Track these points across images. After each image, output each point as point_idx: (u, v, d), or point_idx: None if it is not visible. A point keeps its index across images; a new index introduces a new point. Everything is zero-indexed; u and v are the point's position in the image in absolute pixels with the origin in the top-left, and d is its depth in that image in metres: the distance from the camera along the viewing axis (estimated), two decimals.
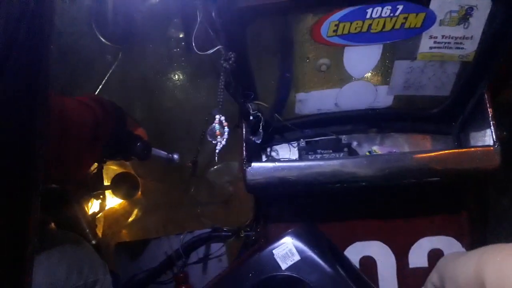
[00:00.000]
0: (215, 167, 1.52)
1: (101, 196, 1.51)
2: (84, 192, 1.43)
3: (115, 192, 1.53)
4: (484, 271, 0.54)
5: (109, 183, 1.52)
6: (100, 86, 1.20)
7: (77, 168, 0.97)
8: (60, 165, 0.88)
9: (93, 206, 1.49)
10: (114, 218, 1.56)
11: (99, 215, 1.51)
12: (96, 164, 1.33)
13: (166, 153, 1.27)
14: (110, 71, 1.19)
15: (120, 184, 1.52)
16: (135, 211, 1.58)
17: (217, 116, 0.92)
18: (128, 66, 1.45)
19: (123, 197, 1.55)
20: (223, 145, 0.94)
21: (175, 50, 1.45)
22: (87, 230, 1.42)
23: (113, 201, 1.55)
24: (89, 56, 1.47)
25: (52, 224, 1.26)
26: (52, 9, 0.46)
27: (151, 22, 1.38)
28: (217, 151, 0.95)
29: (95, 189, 1.48)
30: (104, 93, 1.26)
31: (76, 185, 1.33)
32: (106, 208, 1.53)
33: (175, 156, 1.28)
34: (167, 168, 1.47)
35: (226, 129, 0.93)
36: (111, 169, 1.53)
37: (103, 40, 1.16)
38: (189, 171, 1.46)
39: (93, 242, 1.42)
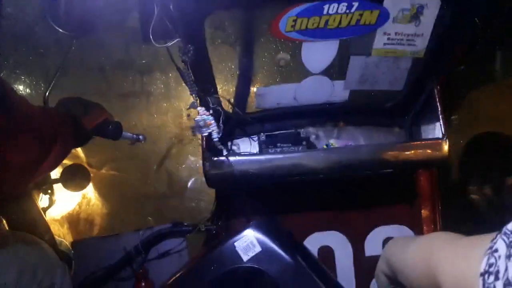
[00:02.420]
0: (173, 158, 1.51)
1: (49, 191, 1.45)
2: (33, 187, 1.38)
3: (65, 185, 1.47)
4: (436, 267, 0.54)
5: (58, 176, 1.47)
6: (57, 74, 1.15)
7: (34, 172, 0.92)
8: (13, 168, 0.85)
9: (42, 201, 1.44)
10: (67, 213, 1.52)
11: (49, 210, 1.46)
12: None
13: (132, 134, 1.29)
14: (64, 59, 1.15)
15: (70, 177, 1.47)
16: (88, 205, 1.54)
17: (199, 109, 0.93)
18: (83, 55, 1.42)
19: (74, 189, 1.50)
20: (219, 131, 0.95)
21: (132, 41, 1.42)
22: (39, 226, 1.37)
23: (63, 194, 1.50)
24: (42, 44, 1.42)
25: (4, 223, 1.21)
26: None
27: (108, 12, 1.34)
28: (216, 139, 0.96)
29: (44, 183, 1.42)
30: (59, 81, 1.22)
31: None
32: (56, 202, 1.48)
33: (140, 137, 1.30)
34: (125, 158, 1.45)
35: (210, 117, 0.94)
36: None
37: (56, 28, 1.12)
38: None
39: (46, 238, 1.37)
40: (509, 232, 0.44)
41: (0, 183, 0.85)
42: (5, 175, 0.83)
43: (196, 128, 0.99)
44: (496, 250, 0.44)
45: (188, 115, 1.01)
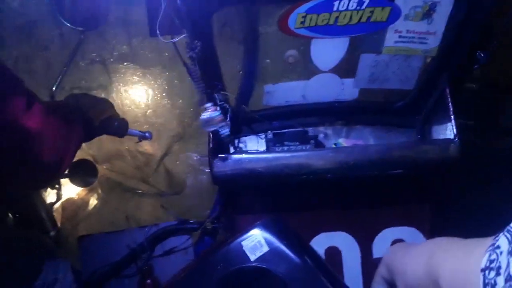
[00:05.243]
0: (173, 156, 1.51)
1: (57, 186, 1.45)
2: None
3: (72, 180, 1.47)
4: (438, 269, 0.53)
5: (66, 171, 1.46)
6: (65, 69, 1.16)
7: (60, 166, 0.93)
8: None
9: (49, 196, 1.44)
10: (73, 209, 1.52)
11: (56, 205, 1.46)
12: None
13: (138, 131, 1.28)
14: (72, 54, 1.15)
15: (77, 172, 1.47)
16: (95, 201, 1.54)
17: (207, 105, 0.92)
18: (85, 48, 1.43)
19: (81, 185, 1.50)
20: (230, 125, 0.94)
21: (136, 35, 1.43)
22: (46, 221, 1.37)
23: (70, 189, 1.50)
24: (46, 38, 1.43)
25: (10, 216, 1.21)
26: None
27: (114, 5, 1.35)
28: (225, 135, 0.95)
29: None
30: (64, 75, 1.23)
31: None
32: (63, 197, 1.48)
33: (147, 134, 1.29)
34: (128, 155, 1.45)
35: (219, 112, 0.93)
36: None
37: (64, 22, 1.12)
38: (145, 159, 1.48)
39: (52, 233, 1.37)
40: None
41: (35, 180, 0.86)
42: (38, 172, 0.84)
43: (204, 124, 0.98)
44: (498, 247, 0.43)
45: (196, 112, 1.02)
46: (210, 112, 0.95)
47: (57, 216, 1.47)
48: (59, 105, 1.03)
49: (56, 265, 1.03)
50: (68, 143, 0.90)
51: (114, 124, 1.13)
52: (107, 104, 1.13)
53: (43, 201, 1.38)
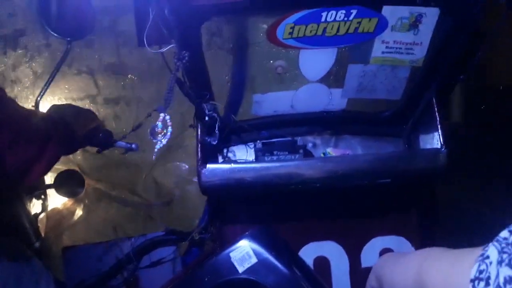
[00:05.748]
0: (161, 166, 1.50)
1: (43, 196, 1.43)
2: (25, 191, 1.35)
3: (58, 191, 1.45)
4: (426, 279, 0.53)
5: (52, 182, 1.44)
6: (50, 80, 1.14)
7: (25, 175, 0.91)
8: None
9: (34, 206, 1.41)
10: (57, 219, 1.50)
11: (41, 216, 1.43)
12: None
13: (124, 143, 1.25)
14: (59, 64, 1.14)
15: (64, 182, 1.45)
16: (80, 211, 1.52)
17: (162, 114, 0.89)
18: (72, 58, 1.42)
19: (67, 195, 1.48)
20: (163, 145, 0.92)
21: (124, 45, 1.42)
22: (30, 232, 1.34)
23: (56, 200, 1.48)
24: (32, 47, 1.42)
25: None
26: None
27: (101, 14, 1.34)
28: (155, 150, 0.92)
29: (37, 188, 1.40)
30: (50, 85, 1.21)
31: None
32: (49, 208, 1.45)
33: (133, 145, 1.26)
34: (115, 166, 1.44)
35: (170, 129, 0.90)
36: (54, 167, 1.46)
37: (51, 32, 1.11)
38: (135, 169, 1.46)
39: (37, 244, 1.34)
40: (501, 239, 0.43)
41: None
42: None
43: (151, 132, 0.95)
44: (487, 257, 0.43)
45: (150, 115, 0.99)
46: (157, 122, 0.92)
47: (41, 227, 1.44)
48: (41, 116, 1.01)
49: (38, 277, 1.01)
50: (38, 156, 0.88)
51: (99, 135, 1.12)
52: (91, 115, 1.12)
53: (28, 212, 1.35)
